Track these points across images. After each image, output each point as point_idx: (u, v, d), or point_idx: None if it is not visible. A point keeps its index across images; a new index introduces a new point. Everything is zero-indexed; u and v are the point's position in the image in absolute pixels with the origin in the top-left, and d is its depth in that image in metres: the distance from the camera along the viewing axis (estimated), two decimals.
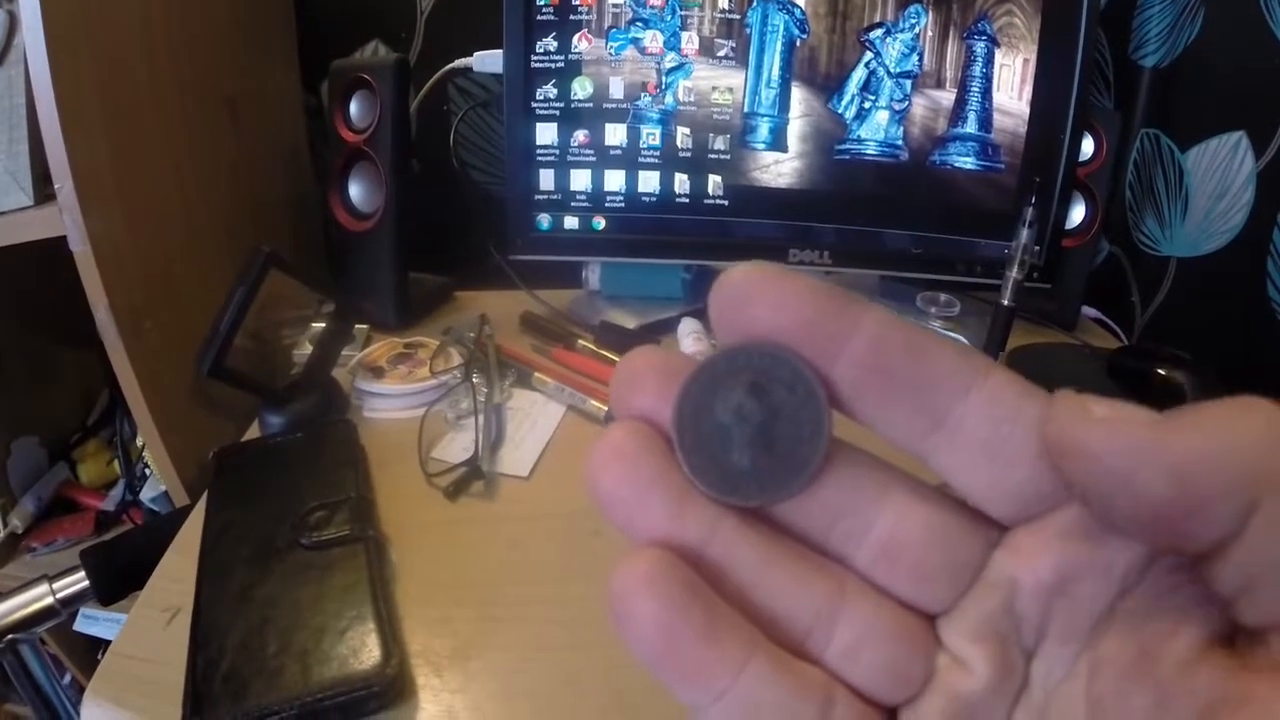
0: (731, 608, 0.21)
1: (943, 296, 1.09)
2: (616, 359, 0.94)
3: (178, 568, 0.67)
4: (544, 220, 1.06)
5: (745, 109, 1.01)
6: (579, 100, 1.01)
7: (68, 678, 1.17)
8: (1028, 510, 0.21)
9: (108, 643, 1.12)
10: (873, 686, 0.22)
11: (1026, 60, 0.99)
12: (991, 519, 0.22)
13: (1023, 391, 0.20)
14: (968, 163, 1.01)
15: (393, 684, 0.54)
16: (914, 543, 0.22)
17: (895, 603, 0.22)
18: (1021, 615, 0.21)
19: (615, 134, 1.02)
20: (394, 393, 0.90)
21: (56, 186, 0.77)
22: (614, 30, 0.98)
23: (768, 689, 0.20)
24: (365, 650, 0.55)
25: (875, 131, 1.01)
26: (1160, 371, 0.89)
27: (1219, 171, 1.08)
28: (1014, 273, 0.91)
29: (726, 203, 1.04)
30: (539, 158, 1.03)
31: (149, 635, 0.61)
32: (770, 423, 0.21)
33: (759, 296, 0.21)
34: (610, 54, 0.99)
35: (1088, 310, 1.16)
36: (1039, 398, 0.20)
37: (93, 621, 1.13)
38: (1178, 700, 0.18)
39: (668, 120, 1.01)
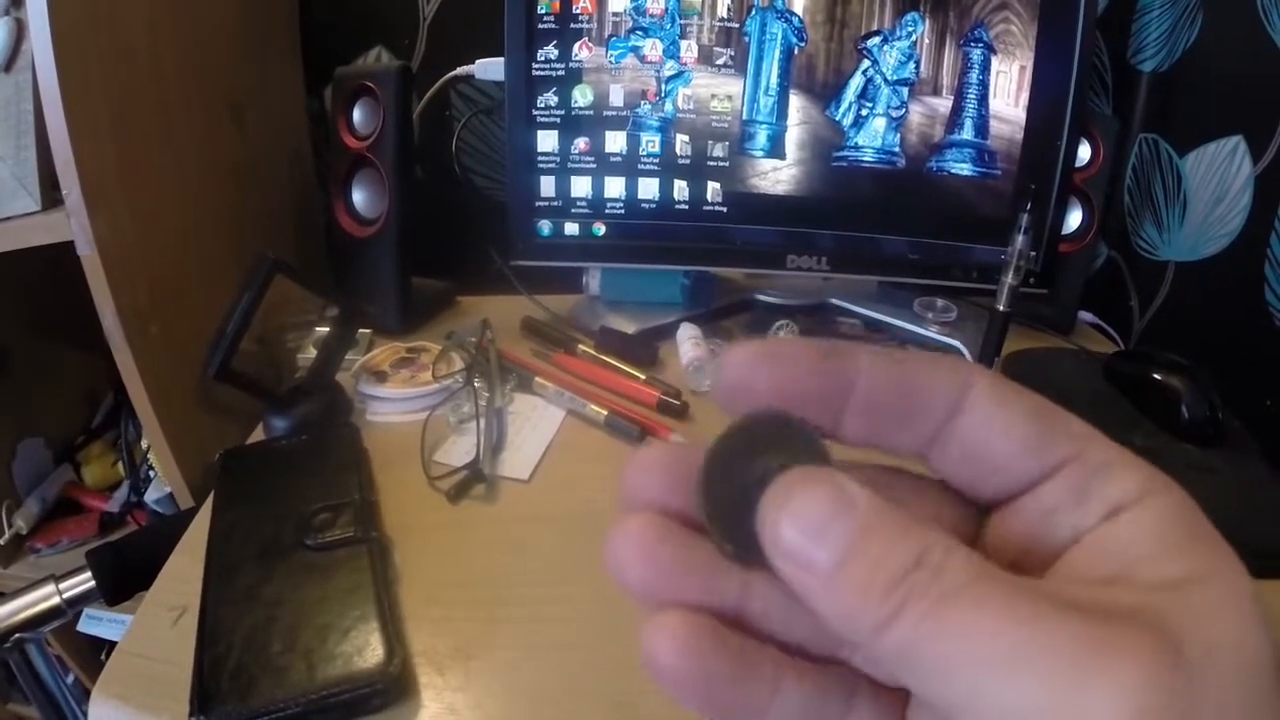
0: (757, 640, 0.24)
1: (939, 302, 1.10)
2: (616, 364, 0.96)
3: (184, 568, 0.68)
4: (545, 226, 1.07)
5: (744, 116, 1.02)
6: (579, 108, 1.02)
7: (70, 678, 1.18)
8: (1008, 494, 0.24)
9: (110, 643, 1.13)
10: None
11: (1023, 67, 0.99)
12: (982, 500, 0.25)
13: (999, 400, 0.23)
14: (964, 169, 1.02)
15: (396, 682, 0.55)
16: None
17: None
18: None
19: (615, 141, 1.03)
20: (397, 397, 0.91)
21: (64, 191, 0.78)
22: (614, 39, 0.99)
23: (798, 700, 0.23)
24: (369, 649, 0.56)
25: (873, 138, 1.02)
26: (1156, 376, 0.89)
27: (1217, 176, 1.09)
28: (1010, 279, 0.91)
29: (725, 209, 1.05)
30: (540, 164, 1.04)
31: (156, 634, 0.62)
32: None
33: (758, 382, 0.23)
34: (610, 62, 1.00)
35: (1085, 315, 1.17)
36: (1014, 405, 0.24)
37: (96, 622, 1.13)
38: None
39: (667, 128, 1.02)
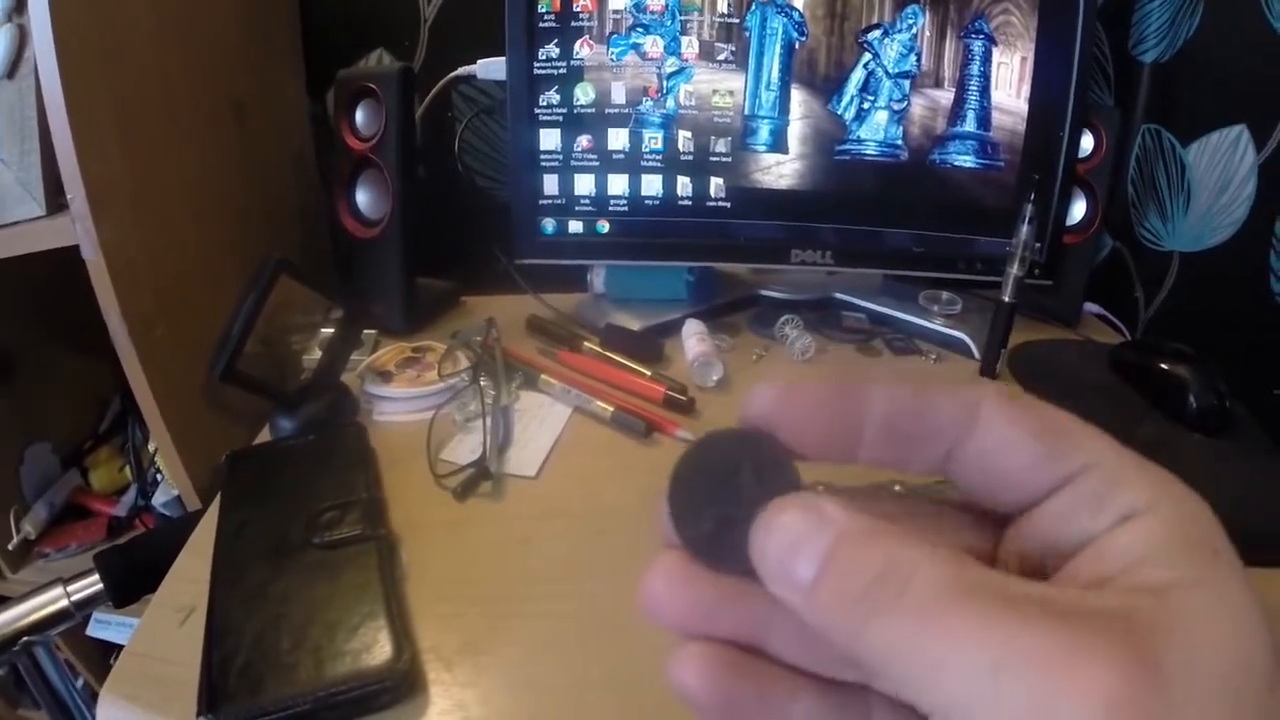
0: (778, 666, 0.25)
1: (944, 294, 1.09)
2: (622, 361, 0.95)
3: (191, 568, 0.68)
4: (549, 225, 1.07)
5: (746, 112, 1.02)
6: (581, 106, 1.02)
7: (79, 682, 1.18)
8: (1026, 505, 0.25)
9: (119, 647, 1.13)
10: None
11: (1024, 58, 0.99)
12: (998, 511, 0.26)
13: (1010, 419, 0.24)
14: (967, 161, 1.02)
15: (404, 679, 0.55)
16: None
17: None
18: None
19: (618, 138, 1.03)
20: (402, 396, 0.91)
21: (69, 196, 0.78)
22: (615, 36, 0.99)
23: (815, 716, 0.25)
24: (377, 646, 0.56)
25: (875, 131, 1.02)
26: (1163, 366, 0.89)
27: (1220, 165, 1.08)
28: (1015, 269, 0.92)
29: (729, 205, 1.05)
30: (543, 163, 1.04)
31: (164, 635, 0.62)
32: (745, 514, 0.24)
33: (780, 421, 0.25)
34: (611, 59, 1.00)
35: (1090, 306, 1.17)
36: (1024, 423, 0.24)
37: (105, 626, 1.14)
38: None
39: (669, 124, 1.02)
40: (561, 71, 1.01)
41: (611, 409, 0.87)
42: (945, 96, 1.01)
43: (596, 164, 1.04)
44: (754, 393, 0.25)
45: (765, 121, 1.02)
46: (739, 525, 0.24)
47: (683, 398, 0.90)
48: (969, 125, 1.01)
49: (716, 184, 1.04)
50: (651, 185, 1.05)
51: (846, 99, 1.01)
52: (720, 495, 0.25)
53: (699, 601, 0.25)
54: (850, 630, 0.21)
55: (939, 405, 0.25)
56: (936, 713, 0.20)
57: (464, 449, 0.83)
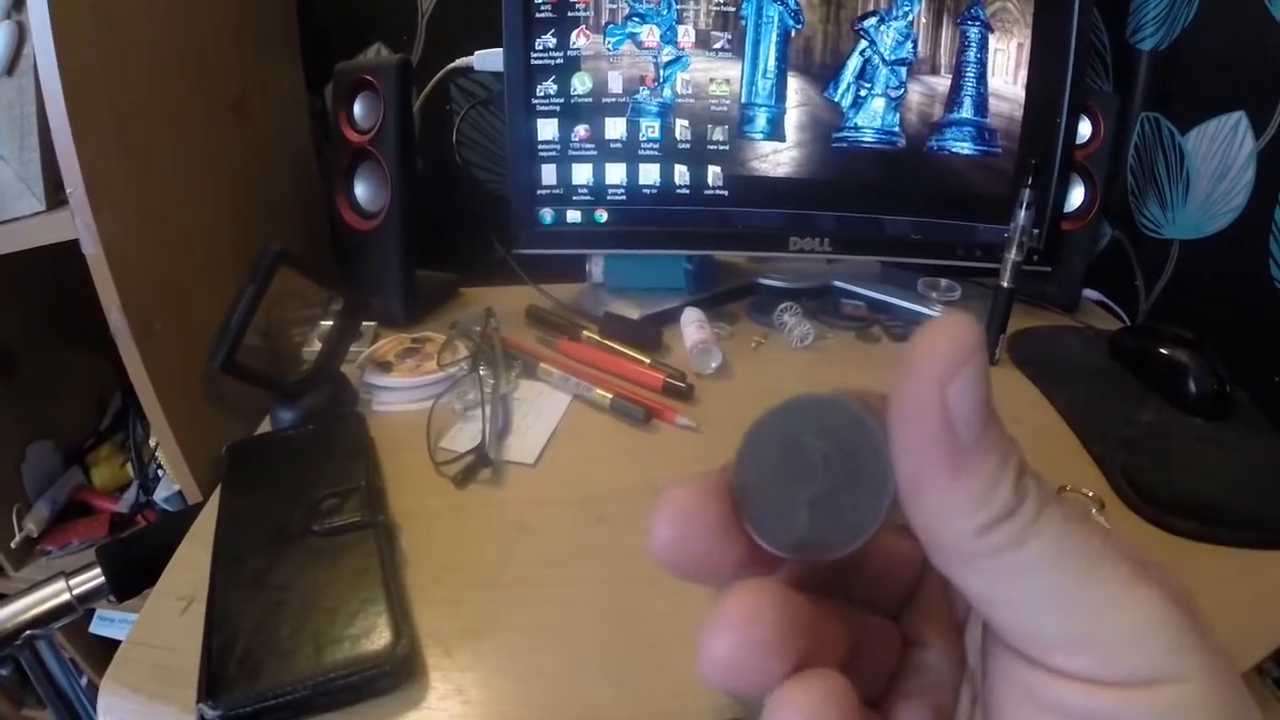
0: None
1: (943, 281, 1.09)
2: (621, 349, 0.95)
3: (192, 558, 0.68)
4: (547, 214, 1.07)
5: (743, 100, 1.02)
6: (579, 95, 1.02)
7: (84, 680, 1.18)
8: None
9: None
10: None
11: (1020, 44, 0.99)
12: None
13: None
14: (965, 147, 1.02)
15: (404, 663, 0.55)
16: (893, 571, 0.28)
17: (874, 614, 0.28)
18: (951, 600, 0.28)
19: (615, 128, 1.03)
20: (402, 386, 0.91)
21: (68, 191, 0.78)
22: (611, 26, 0.99)
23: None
24: (376, 631, 0.56)
25: (872, 119, 1.02)
26: (1162, 351, 0.89)
27: (1219, 152, 1.08)
28: (1012, 255, 0.91)
29: (726, 193, 1.05)
30: (541, 153, 1.04)
31: (165, 624, 0.62)
32: (833, 483, 0.21)
33: None
34: (608, 49, 1.00)
35: (1090, 293, 1.17)
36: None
37: (108, 623, 1.14)
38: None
39: (666, 113, 1.02)
40: (558, 61, 1.01)
41: (610, 396, 0.87)
42: (942, 83, 1.01)
43: (594, 153, 1.04)
44: None
45: (762, 109, 1.02)
46: (833, 499, 0.21)
47: (682, 384, 0.90)
48: (966, 112, 1.01)
49: (714, 172, 1.04)
50: (649, 174, 1.05)
51: (843, 86, 1.01)
52: (797, 479, 0.21)
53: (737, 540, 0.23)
54: None
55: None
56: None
57: (463, 437, 0.83)
